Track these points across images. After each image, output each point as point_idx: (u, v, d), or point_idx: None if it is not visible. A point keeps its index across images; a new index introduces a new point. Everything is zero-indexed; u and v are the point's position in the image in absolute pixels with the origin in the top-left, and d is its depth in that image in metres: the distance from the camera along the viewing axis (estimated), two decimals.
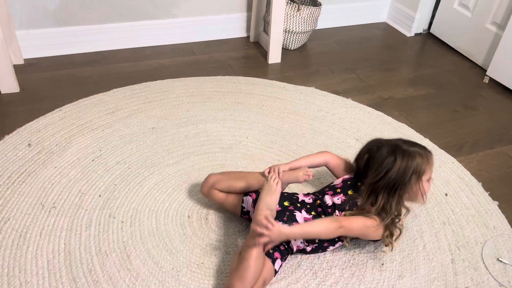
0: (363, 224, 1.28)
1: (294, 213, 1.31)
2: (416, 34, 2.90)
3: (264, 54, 2.50)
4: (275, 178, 1.33)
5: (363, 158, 1.37)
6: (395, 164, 1.27)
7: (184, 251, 1.37)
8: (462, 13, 2.63)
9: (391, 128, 2.00)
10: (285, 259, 1.33)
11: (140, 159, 1.70)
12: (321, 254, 1.39)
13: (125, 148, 1.74)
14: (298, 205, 1.35)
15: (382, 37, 2.89)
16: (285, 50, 2.57)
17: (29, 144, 1.71)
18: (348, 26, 2.93)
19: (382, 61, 2.63)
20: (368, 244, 1.43)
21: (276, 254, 1.28)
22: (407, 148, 1.30)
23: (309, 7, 2.46)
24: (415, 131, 1.99)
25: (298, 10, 2.44)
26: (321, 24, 2.78)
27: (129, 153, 1.72)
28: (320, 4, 2.53)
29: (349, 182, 1.40)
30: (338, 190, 1.38)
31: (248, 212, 1.41)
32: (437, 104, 2.24)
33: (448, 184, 1.71)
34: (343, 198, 1.35)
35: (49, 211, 1.45)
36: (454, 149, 1.91)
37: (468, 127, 2.09)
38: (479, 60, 2.57)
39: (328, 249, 1.39)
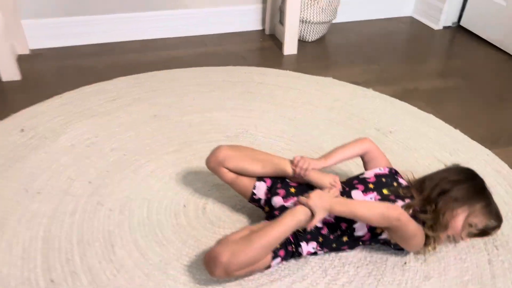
0: (417, 227, 1.09)
1: None
2: (445, 28, 2.70)
3: (280, 46, 2.35)
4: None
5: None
6: (465, 184, 1.15)
7: (176, 242, 1.21)
8: (495, 2, 2.42)
9: (416, 119, 1.80)
10: (287, 260, 1.15)
11: (138, 146, 1.56)
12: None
13: (123, 135, 1.61)
14: None
15: (408, 30, 2.70)
16: (302, 42, 2.41)
17: (22, 130, 1.61)
18: (371, 20, 2.75)
19: (407, 54, 2.44)
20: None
21: (281, 252, 1.10)
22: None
23: None
24: (443, 122, 1.78)
25: None
26: (341, 18, 2.61)
27: (126, 140, 1.59)
28: None
29: (383, 179, 1.19)
30: (371, 186, 1.17)
31: (259, 200, 1.23)
32: (468, 95, 2.03)
33: (483, 177, 1.49)
34: (377, 197, 1.15)
35: (33, 197, 1.33)
36: (489, 141, 1.69)
37: (504, 119, 1.86)
38: None
39: (343, 251, 1.20)
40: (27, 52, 2.15)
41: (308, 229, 1.09)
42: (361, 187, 1.17)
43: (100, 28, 2.26)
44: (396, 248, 1.19)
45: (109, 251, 1.18)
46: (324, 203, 1.06)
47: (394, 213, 1.04)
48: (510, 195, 1.42)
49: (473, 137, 1.70)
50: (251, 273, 1.09)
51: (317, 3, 2.30)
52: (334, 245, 1.15)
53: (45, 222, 1.25)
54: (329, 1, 2.32)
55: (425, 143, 1.66)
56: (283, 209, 1.14)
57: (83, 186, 1.38)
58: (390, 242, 1.17)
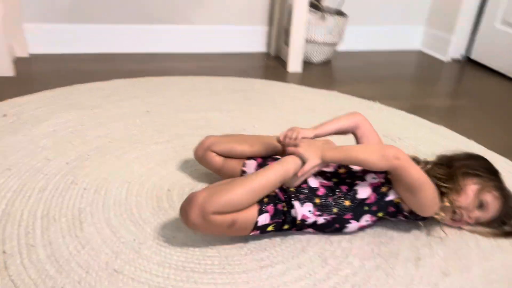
0: (422, 172, 0.96)
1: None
2: (454, 60, 2.65)
3: (284, 65, 2.29)
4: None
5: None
6: (482, 160, 1.09)
7: (154, 224, 1.05)
8: (506, 32, 2.38)
9: (427, 129, 1.68)
10: (277, 226, 0.98)
11: (125, 135, 1.45)
12: (335, 239, 1.04)
13: (110, 125, 1.50)
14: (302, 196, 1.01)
15: (415, 61, 2.65)
16: (307, 64, 2.36)
17: (4, 115, 1.50)
18: (377, 50, 2.72)
19: (416, 78, 2.37)
20: (399, 232, 1.08)
21: (269, 208, 0.96)
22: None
23: (334, 16, 2.29)
24: (456, 133, 1.66)
25: (323, 19, 2.27)
26: (347, 46, 2.58)
27: (114, 129, 1.47)
28: (346, 16, 2.36)
29: (381, 196, 1.02)
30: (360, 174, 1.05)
31: None
32: (480, 113, 1.92)
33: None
34: (373, 218, 1.03)
35: (2, 172, 1.19)
36: (506, 152, 1.55)
37: None
38: None
39: (348, 226, 1.02)
40: (26, 55, 2.09)
41: (299, 175, 0.97)
42: (349, 180, 1.05)
43: (102, 37, 2.22)
44: (409, 217, 1.03)
45: (76, 227, 1.02)
46: (316, 148, 0.99)
47: (392, 151, 0.95)
48: None
49: (489, 147, 1.57)
50: (234, 228, 0.92)
51: (324, 23, 2.28)
52: (334, 210, 1.00)
53: (9, 196, 1.10)
54: (336, 23, 2.30)
55: (437, 150, 1.52)
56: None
57: (59, 166, 1.24)
58: (400, 207, 1.01)
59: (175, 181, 1.22)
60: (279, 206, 0.97)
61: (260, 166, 1.08)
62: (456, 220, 1.05)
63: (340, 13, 2.39)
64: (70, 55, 2.16)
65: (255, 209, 0.94)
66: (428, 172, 0.99)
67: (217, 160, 1.14)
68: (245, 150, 1.12)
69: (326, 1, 2.41)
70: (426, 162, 1.08)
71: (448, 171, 1.04)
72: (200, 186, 1.20)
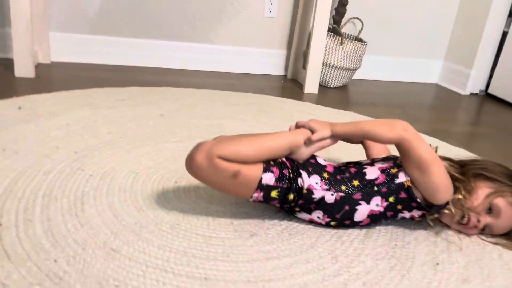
0: (432, 150, 0.95)
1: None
2: (472, 94, 2.62)
3: (301, 87, 2.29)
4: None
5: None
6: (502, 167, 1.04)
7: (158, 210, 1.01)
8: None
9: (447, 151, 1.62)
10: (281, 193, 0.93)
11: (137, 133, 1.43)
12: (347, 239, 0.97)
13: (124, 124, 1.49)
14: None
15: (433, 93, 2.63)
16: (323, 87, 2.36)
17: (19, 107, 1.51)
18: (395, 81, 2.71)
19: (435, 108, 2.34)
20: (416, 237, 1.01)
21: (275, 169, 0.92)
22: None
23: (353, 42, 2.30)
24: (476, 155, 1.60)
25: (341, 43, 2.28)
26: (365, 75, 2.59)
27: (126, 128, 1.46)
28: (365, 42, 2.37)
29: (390, 177, 0.97)
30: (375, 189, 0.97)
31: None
32: (501, 140, 1.87)
33: None
34: (384, 204, 0.96)
35: (9, 156, 1.17)
36: None
37: None
38: None
39: (358, 209, 0.95)
40: (48, 62, 2.14)
41: (308, 141, 0.96)
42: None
43: (123, 50, 2.26)
44: (422, 207, 0.97)
45: (77, 208, 0.98)
46: (324, 122, 0.99)
47: (400, 122, 0.94)
48: None
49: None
50: (237, 180, 0.89)
51: (342, 48, 2.29)
52: (343, 187, 0.95)
53: (13, 175, 1.08)
54: (355, 48, 2.31)
55: None
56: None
57: (68, 154, 1.22)
58: (411, 192, 0.95)
59: (183, 174, 1.18)
60: (285, 171, 0.93)
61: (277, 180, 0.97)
62: (464, 224, 0.99)
63: (359, 39, 2.41)
64: (90, 65, 2.20)
65: (260, 166, 0.91)
66: None
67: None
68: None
69: (346, 29, 2.44)
70: (443, 158, 1.03)
71: (462, 170, 1.00)
72: None
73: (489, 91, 2.60)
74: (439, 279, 0.89)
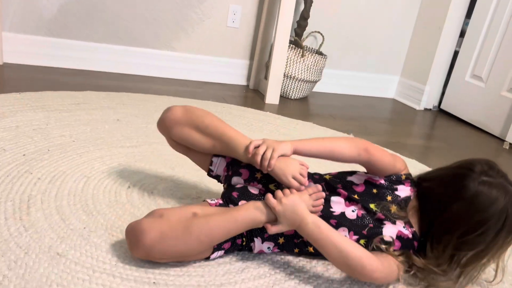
0: (393, 277, 0.87)
1: None
2: (426, 110, 2.73)
3: (262, 97, 2.31)
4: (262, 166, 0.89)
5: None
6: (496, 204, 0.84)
7: (109, 215, 0.98)
8: (475, 85, 2.49)
9: None
10: (231, 253, 0.92)
11: (91, 137, 1.39)
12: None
13: (78, 127, 1.45)
14: None
15: (390, 107, 2.72)
16: (285, 98, 2.39)
17: None
18: (354, 95, 2.78)
19: (390, 121, 2.42)
20: None
21: (226, 245, 0.88)
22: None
23: (314, 55, 2.35)
24: (426, 166, 1.66)
25: (303, 56, 2.33)
26: (325, 88, 2.64)
27: (80, 131, 1.42)
28: (325, 56, 2.43)
29: (374, 190, 0.94)
30: (356, 197, 0.93)
31: (218, 176, 1.02)
32: (453, 154, 1.95)
33: None
34: (361, 212, 0.92)
35: None
36: None
37: None
38: (496, 130, 2.34)
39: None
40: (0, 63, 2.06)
41: (269, 232, 0.86)
42: (344, 194, 0.94)
43: (81, 54, 2.20)
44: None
45: (22, 211, 0.94)
46: (296, 217, 0.85)
47: (368, 271, 0.83)
48: None
49: None
50: (180, 261, 0.86)
51: (303, 60, 2.33)
52: (296, 250, 0.93)
53: None
54: (315, 61, 2.36)
55: None
56: (244, 191, 0.94)
57: (15, 157, 1.17)
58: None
59: (137, 180, 1.16)
60: (238, 241, 0.90)
61: (228, 167, 1.00)
62: None
63: (319, 53, 2.47)
64: (45, 68, 2.13)
65: (209, 249, 0.86)
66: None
67: (178, 149, 1.04)
68: (205, 148, 0.99)
69: (307, 42, 2.49)
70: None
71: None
72: (162, 186, 1.15)
73: (442, 107, 2.72)
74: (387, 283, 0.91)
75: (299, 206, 0.85)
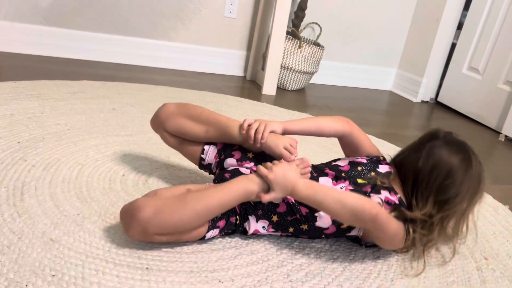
0: (398, 226, 0.89)
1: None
2: (423, 102, 2.73)
3: (259, 88, 2.31)
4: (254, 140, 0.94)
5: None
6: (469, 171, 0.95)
7: (102, 202, 0.99)
8: (472, 77, 2.49)
9: (393, 152, 1.69)
10: (225, 234, 0.93)
11: (86, 126, 1.39)
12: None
13: (73, 116, 1.45)
14: None
15: (387, 99, 2.72)
16: (281, 90, 2.38)
17: None
18: (351, 87, 2.78)
19: (387, 113, 2.42)
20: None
21: (221, 223, 0.89)
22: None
23: (311, 46, 2.35)
24: None
25: (300, 47, 2.32)
26: (323, 80, 2.64)
27: (75, 120, 1.42)
28: (322, 47, 2.42)
29: (359, 168, 0.99)
30: (343, 175, 0.97)
31: (209, 165, 1.04)
32: None
33: None
34: (349, 187, 0.94)
35: None
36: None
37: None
38: (492, 123, 2.34)
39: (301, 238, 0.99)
40: None
41: (262, 201, 0.87)
42: (331, 173, 0.97)
43: (76, 44, 2.19)
44: (367, 245, 0.98)
45: (16, 197, 0.94)
46: (287, 182, 0.86)
47: (370, 213, 0.84)
48: (497, 219, 1.26)
49: None
50: (176, 242, 0.86)
51: (300, 51, 2.33)
52: (291, 229, 0.94)
53: None
54: (312, 52, 2.35)
55: None
56: (236, 173, 0.95)
57: (9, 144, 1.17)
58: (361, 241, 0.97)
59: (132, 168, 1.17)
60: (232, 219, 0.91)
61: (222, 151, 1.03)
62: None
63: (317, 44, 2.46)
64: (41, 57, 2.12)
65: (204, 226, 0.87)
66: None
67: (172, 142, 1.06)
68: (199, 135, 1.02)
69: (304, 33, 2.48)
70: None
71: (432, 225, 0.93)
72: (156, 174, 1.15)
73: (439, 99, 2.72)
74: (378, 270, 0.92)
75: (289, 171, 0.88)
